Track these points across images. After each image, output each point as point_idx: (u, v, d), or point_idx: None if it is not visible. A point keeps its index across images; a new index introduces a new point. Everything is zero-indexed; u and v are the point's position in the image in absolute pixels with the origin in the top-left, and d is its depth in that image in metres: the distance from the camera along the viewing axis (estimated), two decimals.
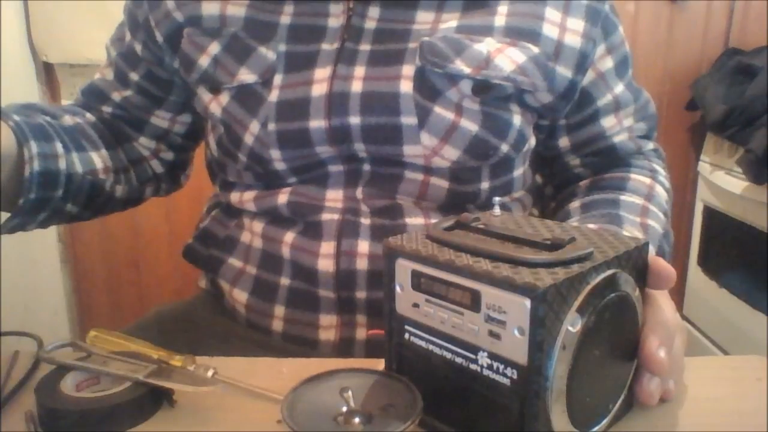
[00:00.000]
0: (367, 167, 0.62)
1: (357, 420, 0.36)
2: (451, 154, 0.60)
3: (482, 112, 0.60)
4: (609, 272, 0.37)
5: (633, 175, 0.70)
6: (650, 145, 0.75)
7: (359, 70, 0.61)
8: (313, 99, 0.61)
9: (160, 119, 0.75)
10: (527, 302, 0.33)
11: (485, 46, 0.60)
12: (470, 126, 0.60)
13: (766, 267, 1.49)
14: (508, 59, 0.60)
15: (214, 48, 0.65)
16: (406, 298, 0.41)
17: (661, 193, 0.70)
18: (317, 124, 0.61)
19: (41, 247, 1.75)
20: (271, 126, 0.62)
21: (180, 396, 0.44)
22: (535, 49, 0.61)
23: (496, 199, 0.48)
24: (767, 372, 0.49)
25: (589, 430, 0.39)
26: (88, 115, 0.74)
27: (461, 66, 0.59)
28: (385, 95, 0.60)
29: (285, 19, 0.64)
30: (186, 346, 0.59)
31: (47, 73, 1.71)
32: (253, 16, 0.65)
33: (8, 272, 1.58)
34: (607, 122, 0.70)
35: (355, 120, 0.60)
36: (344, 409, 0.37)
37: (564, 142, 0.71)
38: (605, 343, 0.38)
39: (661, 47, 1.84)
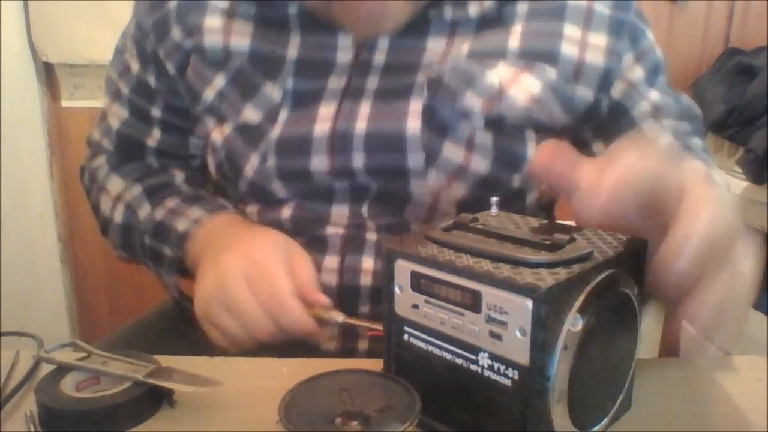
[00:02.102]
0: (373, 186, 0.61)
1: (354, 421, 0.36)
2: (459, 190, 0.59)
3: (495, 147, 0.58)
4: (608, 272, 0.37)
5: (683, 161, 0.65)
6: (698, 143, 0.68)
7: (365, 107, 0.59)
8: (315, 137, 0.59)
9: (196, 148, 0.74)
10: (529, 303, 0.33)
11: (497, 73, 0.58)
12: (481, 165, 0.58)
13: (766, 267, 1.48)
14: (522, 90, 0.58)
15: (219, 81, 0.63)
16: (405, 299, 0.40)
17: (720, 180, 0.64)
18: (319, 162, 0.60)
19: (41, 247, 1.75)
20: (271, 161, 0.61)
21: (180, 396, 0.44)
22: (553, 72, 0.59)
23: (494, 199, 0.47)
24: (767, 372, 0.49)
25: (589, 430, 0.39)
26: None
27: (472, 101, 0.57)
28: (391, 134, 0.58)
29: (292, 52, 0.62)
30: (188, 344, 0.59)
31: (47, 73, 1.71)
32: (259, 49, 0.62)
33: (8, 272, 1.58)
34: (647, 125, 0.65)
35: (358, 160, 0.59)
36: (342, 410, 0.37)
37: (599, 148, 0.66)
38: (605, 342, 0.38)
39: (661, 47, 1.83)
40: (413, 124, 0.58)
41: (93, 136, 0.78)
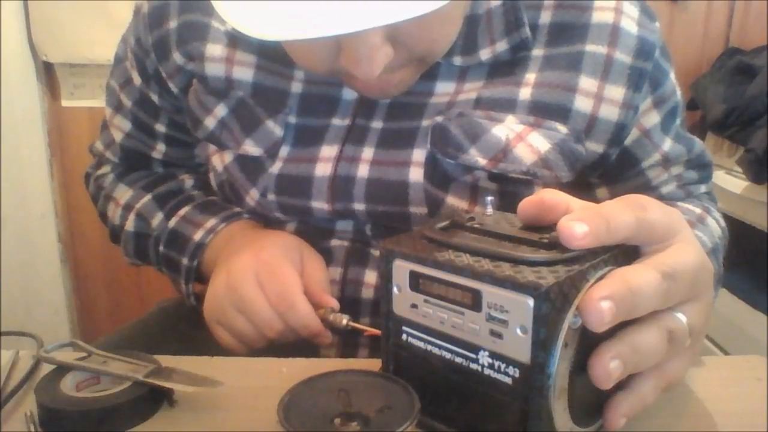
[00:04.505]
0: (375, 222, 0.61)
1: (353, 422, 0.36)
2: None
3: (500, 194, 0.57)
4: (606, 269, 0.37)
5: (680, 203, 0.65)
6: (702, 189, 0.69)
7: (367, 152, 0.58)
8: (315, 179, 0.59)
9: (201, 158, 0.73)
10: (530, 301, 0.33)
11: (504, 129, 0.56)
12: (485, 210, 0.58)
13: (766, 267, 1.49)
14: (528, 149, 0.55)
15: (221, 111, 0.62)
16: (403, 299, 0.40)
17: (714, 226, 0.64)
18: (319, 205, 0.59)
19: (41, 247, 1.75)
20: (271, 197, 0.60)
21: (180, 396, 0.44)
22: (563, 130, 0.56)
23: (489, 198, 0.46)
24: (767, 372, 0.49)
25: (588, 427, 0.39)
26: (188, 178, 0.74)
27: (476, 157, 0.55)
28: (393, 184, 0.57)
29: (296, 87, 0.61)
30: (189, 342, 0.59)
31: (47, 72, 1.71)
32: (262, 82, 0.61)
33: (8, 272, 1.58)
34: (653, 173, 0.65)
35: (359, 206, 0.58)
36: (341, 410, 0.37)
37: (603, 193, 0.66)
38: (605, 339, 0.38)
39: None
40: (416, 175, 0.56)
41: (96, 147, 0.77)
